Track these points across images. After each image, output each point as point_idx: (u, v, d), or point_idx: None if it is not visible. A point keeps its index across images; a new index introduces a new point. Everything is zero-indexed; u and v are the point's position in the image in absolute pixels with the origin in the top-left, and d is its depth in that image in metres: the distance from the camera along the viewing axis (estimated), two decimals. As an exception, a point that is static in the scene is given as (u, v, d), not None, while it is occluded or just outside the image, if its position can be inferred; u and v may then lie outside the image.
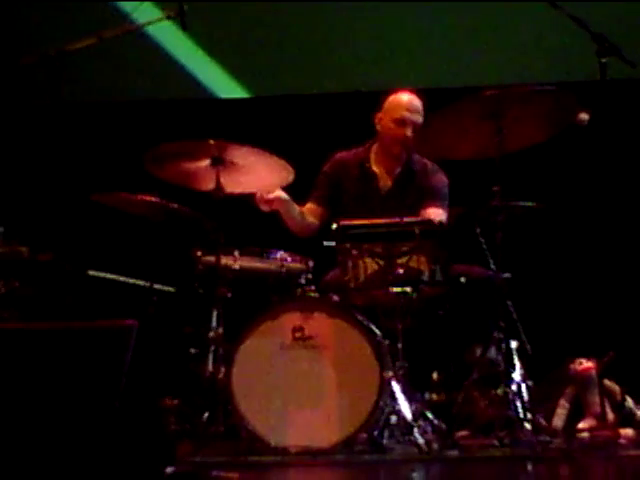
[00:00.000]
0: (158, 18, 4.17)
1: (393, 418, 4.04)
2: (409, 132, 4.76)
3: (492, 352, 4.19)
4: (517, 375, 4.14)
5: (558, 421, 4.72)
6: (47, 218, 4.85)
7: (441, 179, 4.87)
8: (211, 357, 4.31)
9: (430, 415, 4.13)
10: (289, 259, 4.49)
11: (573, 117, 4.24)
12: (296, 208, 4.77)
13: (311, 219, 4.84)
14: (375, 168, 4.91)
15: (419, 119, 4.78)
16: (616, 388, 4.71)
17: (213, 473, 3.61)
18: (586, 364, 4.73)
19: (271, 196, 4.60)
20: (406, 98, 4.83)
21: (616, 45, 4.11)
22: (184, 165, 4.42)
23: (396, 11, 6.24)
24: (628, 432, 4.46)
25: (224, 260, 4.39)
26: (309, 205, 4.88)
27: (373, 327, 4.17)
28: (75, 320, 3.39)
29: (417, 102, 4.81)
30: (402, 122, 4.77)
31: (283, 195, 4.64)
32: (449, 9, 6.21)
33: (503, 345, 4.12)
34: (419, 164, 4.89)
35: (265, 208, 4.64)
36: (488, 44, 6.19)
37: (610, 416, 4.55)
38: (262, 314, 4.19)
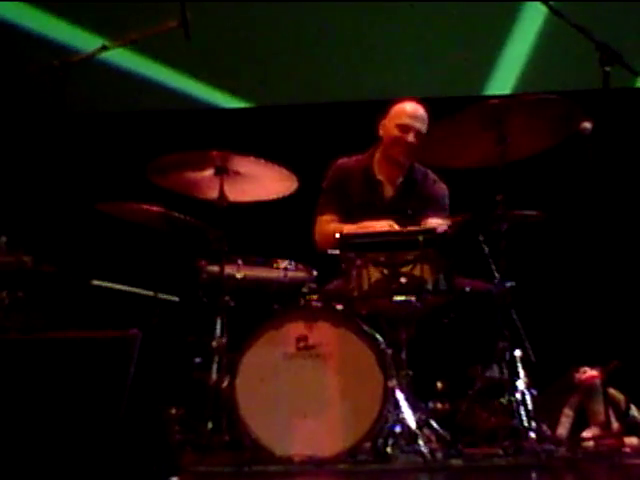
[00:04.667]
0: (163, 29, 4.17)
1: (397, 427, 4.03)
2: (411, 138, 4.81)
3: (494, 370, 4.18)
4: (521, 384, 4.13)
5: (562, 430, 4.72)
6: (51, 228, 4.85)
7: (442, 188, 4.90)
8: (215, 366, 4.31)
9: (434, 424, 4.12)
10: (293, 268, 4.49)
11: (576, 126, 4.24)
12: None
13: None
14: (379, 176, 4.93)
15: (422, 127, 4.83)
16: (620, 397, 4.71)
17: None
18: (590, 373, 4.73)
19: None
20: (410, 106, 4.90)
21: (619, 53, 4.11)
22: (188, 174, 4.43)
23: (399, 20, 6.26)
24: (633, 441, 4.46)
25: (228, 269, 4.39)
26: (326, 217, 4.87)
27: (377, 336, 4.17)
28: (79, 330, 3.39)
29: (421, 111, 4.88)
30: (405, 128, 4.83)
31: None
32: (452, 18, 6.22)
33: (507, 354, 4.12)
34: (420, 173, 4.92)
35: None
36: (491, 53, 6.20)
37: (614, 425, 4.54)
38: (266, 323, 4.19)
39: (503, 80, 6.19)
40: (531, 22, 6.15)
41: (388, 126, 4.90)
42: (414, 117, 4.84)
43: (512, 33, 6.19)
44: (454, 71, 6.23)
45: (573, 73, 6.00)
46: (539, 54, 6.16)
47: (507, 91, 6.15)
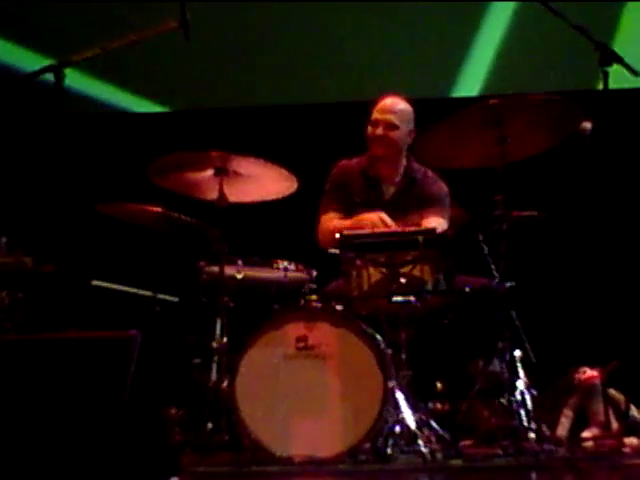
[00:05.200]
0: (162, 28, 4.17)
1: (397, 427, 4.03)
2: (380, 131, 4.82)
3: (495, 365, 4.19)
4: (521, 384, 4.14)
5: (562, 430, 4.71)
6: (51, 228, 4.86)
7: (441, 187, 4.89)
8: (215, 367, 4.32)
9: (434, 424, 4.12)
10: (292, 268, 4.49)
11: (576, 126, 4.24)
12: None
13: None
14: (377, 175, 4.93)
15: (393, 118, 4.83)
16: (620, 397, 4.70)
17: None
18: (590, 373, 4.73)
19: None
20: (381, 102, 4.91)
21: (618, 54, 4.11)
22: (187, 175, 4.43)
23: (397, 18, 6.27)
24: (632, 441, 4.46)
25: (228, 270, 4.39)
26: (331, 214, 4.88)
27: (377, 336, 4.17)
28: (79, 330, 3.39)
29: (390, 103, 4.87)
30: (374, 123, 4.86)
31: None
32: (451, 17, 6.23)
33: (507, 354, 4.12)
34: (419, 172, 4.91)
35: None
36: (491, 53, 6.20)
37: (614, 425, 4.54)
38: (266, 324, 4.19)
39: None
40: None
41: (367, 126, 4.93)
42: (382, 110, 4.86)
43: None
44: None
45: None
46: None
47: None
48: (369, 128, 4.88)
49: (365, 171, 4.94)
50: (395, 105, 4.87)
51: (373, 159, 4.92)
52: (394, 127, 4.82)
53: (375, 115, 4.87)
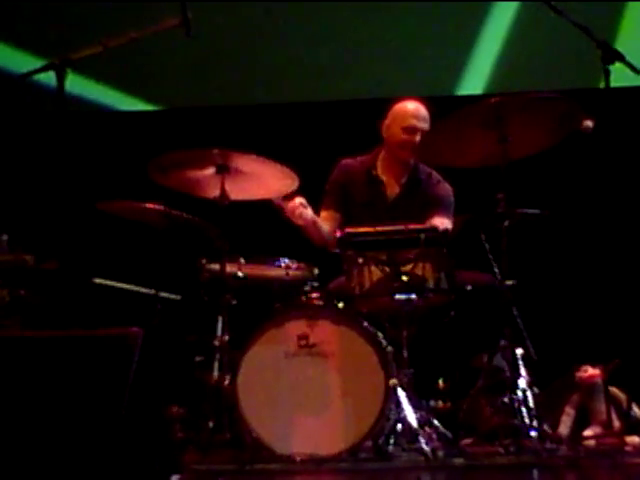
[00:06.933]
0: (163, 26, 4.16)
1: (398, 426, 4.03)
2: (417, 138, 4.79)
3: (498, 359, 4.19)
4: (523, 382, 4.13)
5: (564, 428, 4.72)
6: (52, 226, 4.86)
7: (446, 189, 4.89)
8: (216, 365, 4.31)
9: (436, 422, 4.12)
10: (294, 266, 4.49)
11: (577, 124, 4.24)
12: (320, 221, 4.77)
13: (329, 227, 4.82)
14: (382, 176, 4.92)
15: (426, 126, 4.82)
16: (622, 395, 4.70)
17: (218, 481, 3.62)
18: (592, 371, 4.73)
19: (297, 202, 4.56)
20: (413, 106, 4.87)
21: (620, 52, 4.10)
22: (189, 173, 4.43)
23: (401, 16, 6.27)
24: (634, 439, 4.46)
25: (229, 268, 4.39)
26: (324, 214, 4.87)
27: (378, 334, 4.17)
28: (80, 328, 3.39)
29: (424, 110, 4.85)
30: (411, 130, 4.80)
31: (309, 212, 4.63)
32: (451, 15, 6.23)
33: (509, 352, 4.12)
34: (425, 173, 4.91)
35: (300, 222, 4.61)
36: (495, 52, 6.20)
37: (616, 423, 4.55)
38: (267, 322, 4.19)
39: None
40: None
41: (393, 129, 4.87)
42: (418, 117, 4.81)
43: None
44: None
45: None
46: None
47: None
48: (402, 134, 4.81)
49: (370, 171, 4.92)
50: (424, 110, 4.83)
51: (396, 161, 4.87)
52: (424, 134, 4.79)
53: (412, 122, 4.79)
